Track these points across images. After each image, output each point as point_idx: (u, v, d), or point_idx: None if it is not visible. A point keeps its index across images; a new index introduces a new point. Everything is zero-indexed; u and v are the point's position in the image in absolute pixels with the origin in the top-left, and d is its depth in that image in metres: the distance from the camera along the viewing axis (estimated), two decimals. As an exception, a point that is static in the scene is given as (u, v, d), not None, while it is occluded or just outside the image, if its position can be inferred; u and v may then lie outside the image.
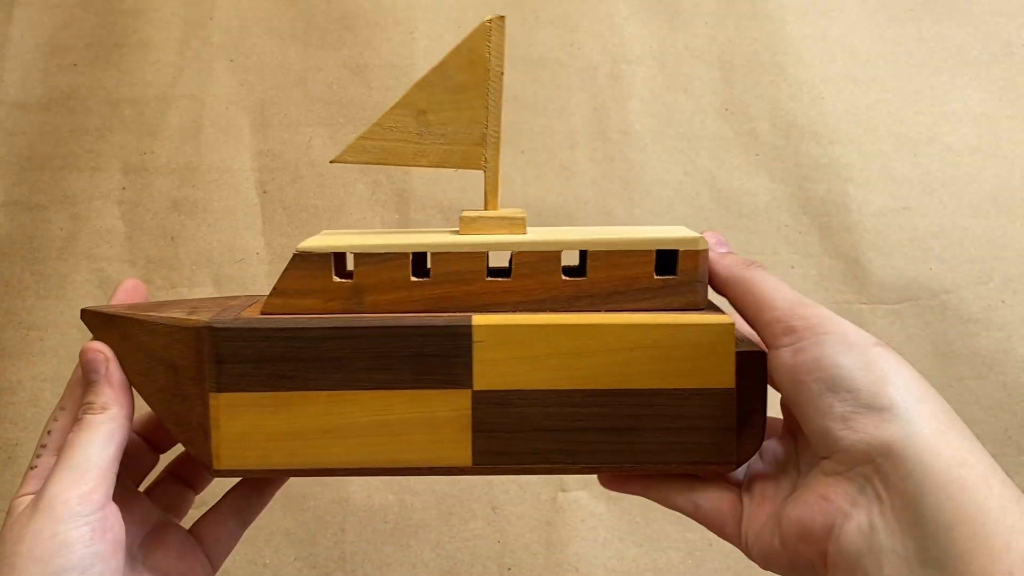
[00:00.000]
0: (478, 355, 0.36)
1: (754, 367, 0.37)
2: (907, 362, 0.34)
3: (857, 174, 0.64)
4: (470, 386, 0.37)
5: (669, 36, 0.69)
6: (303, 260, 0.37)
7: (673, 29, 0.70)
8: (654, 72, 0.68)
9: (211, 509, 0.43)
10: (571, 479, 0.61)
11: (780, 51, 0.69)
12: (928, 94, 0.67)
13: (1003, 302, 0.59)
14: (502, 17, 0.36)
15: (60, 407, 0.39)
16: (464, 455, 0.37)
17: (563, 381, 0.37)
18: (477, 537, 0.60)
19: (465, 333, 0.36)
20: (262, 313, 0.37)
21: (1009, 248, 0.61)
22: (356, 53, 0.69)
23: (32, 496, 0.36)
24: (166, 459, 0.44)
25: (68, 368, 0.58)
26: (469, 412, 0.37)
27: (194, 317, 0.37)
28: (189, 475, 0.44)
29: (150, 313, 0.38)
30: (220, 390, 0.36)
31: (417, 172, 0.64)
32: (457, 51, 0.36)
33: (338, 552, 0.60)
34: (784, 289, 0.36)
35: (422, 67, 0.68)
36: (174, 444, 0.43)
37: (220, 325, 0.36)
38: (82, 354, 0.38)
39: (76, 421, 0.37)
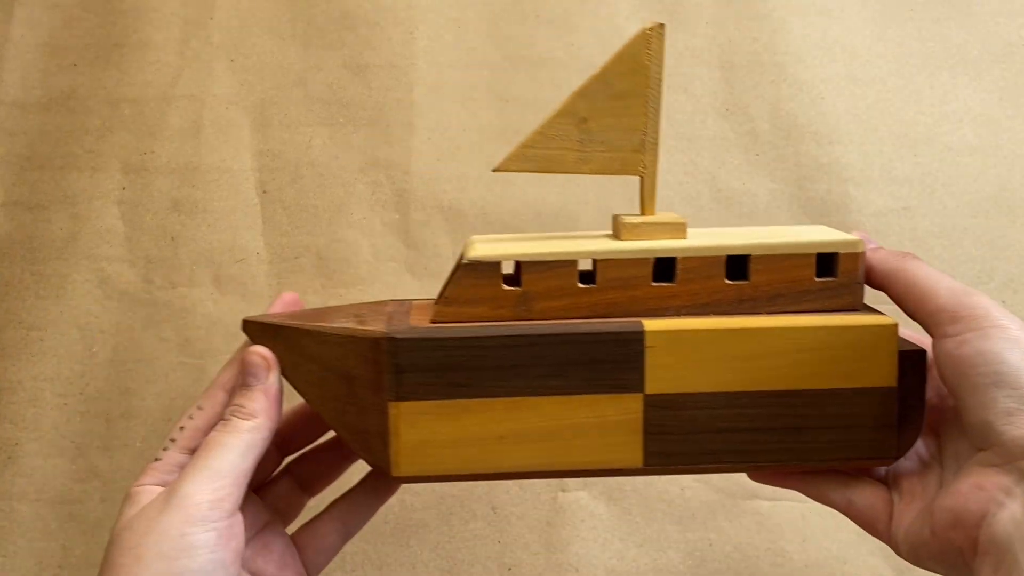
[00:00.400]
0: (650, 360, 0.37)
1: (915, 366, 0.38)
2: None
3: (857, 174, 0.64)
4: (642, 390, 0.37)
5: (669, 36, 0.69)
6: (472, 269, 0.37)
7: (673, 29, 0.70)
8: (654, 72, 0.68)
9: (315, 519, 0.42)
10: (571, 479, 0.61)
11: (780, 51, 0.69)
12: (928, 94, 0.67)
13: (1003, 302, 0.59)
14: (662, 25, 0.35)
15: (198, 406, 0.38)
16: (635, 457, 0.38)
17: (732, 384, 0.37)
18: (477, 537, 0.60)
19: (637, 339, 0.37)
20: (433, 322, 0.38)
21: (1009, 248, 0.61)
22: (356, 53, 0.69)
23: (152, 487, 0.36)
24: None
25: (68, 368, 0.58)
26: (640, 415, 0.37)
27: (369, 328, 0.37)
28: (308, 479, 0.43)
29: (319, 323, 0.38)
30: (399, 399, 0.36)
31: (417, 172, 0.64)
32: (618, 58, 0.35)
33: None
34: (945, 278, 0.37)
35: (422, 67, 0.68)
36: (300, 448, 0.42)
37: (400, 335, 0.36)
38: (245, 355, 0.38)
39: (222, 422, 0.37)
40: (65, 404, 0.57)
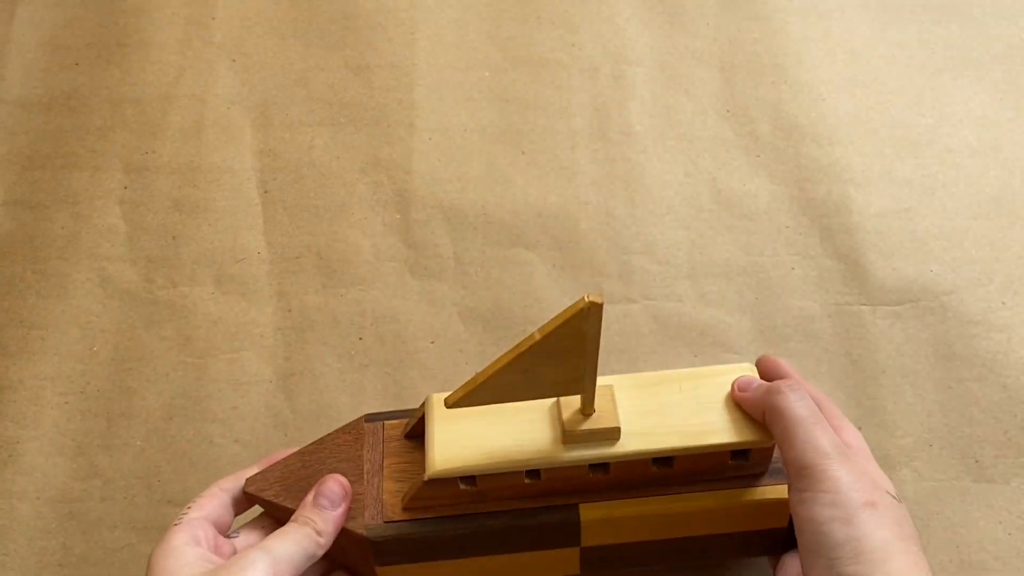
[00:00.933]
0: (585, 534, 0.44)
1: None
2: (891, 517, 0.38)
3: (858, 175, 0.64)
4: (578, 545, 0.45)
5: (670, 37, 0.69)
6: (432, 483, 0.43)
7: (674, 30, 0.70)
8: (655, 73, 0.68)
9: None
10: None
11: (781, 52, 0.69)
12: (929, 96, 0.67)
13: (1003, 304, 0.59)
14: (600, 305, 0.37)
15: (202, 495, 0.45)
16: (573, 568, 0.47)
17: (654, 535, 0.45)
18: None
19: (574, 523, 0.44)
20: (404, 508, 0.44)
21: (1009, 250, 0.61)
22: (357, 53, 0.69)
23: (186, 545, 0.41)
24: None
25: (69, 367, 0.58)
26: (578, 557, 0.46)
27: (351, 525, 0.44)
28: None
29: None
30: (382, 565, 0.45)
31: (418, 173, 0.64)
32: (557, 332, 0.37)
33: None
34: (801, 425, 0.41)
35: (423, 67, 0.68)
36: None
37: (377, 538, 0.44)
38: (328, 480, 0.44)
39: (296, 523, 0.43)
40: (66, 403, 0.57)
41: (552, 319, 0.37)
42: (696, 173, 0.64)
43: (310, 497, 0.44)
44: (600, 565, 0.47)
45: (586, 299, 0.36)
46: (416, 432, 0.47)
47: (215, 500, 0.45)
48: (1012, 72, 0.68)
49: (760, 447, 0.43)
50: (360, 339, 0.59)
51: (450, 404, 0.39)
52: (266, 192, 0.64)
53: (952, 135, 0.65)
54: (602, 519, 0.44)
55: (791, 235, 0.62)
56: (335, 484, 0.44)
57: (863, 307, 0.59)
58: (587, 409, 0.43)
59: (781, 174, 0.64)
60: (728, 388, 0.45)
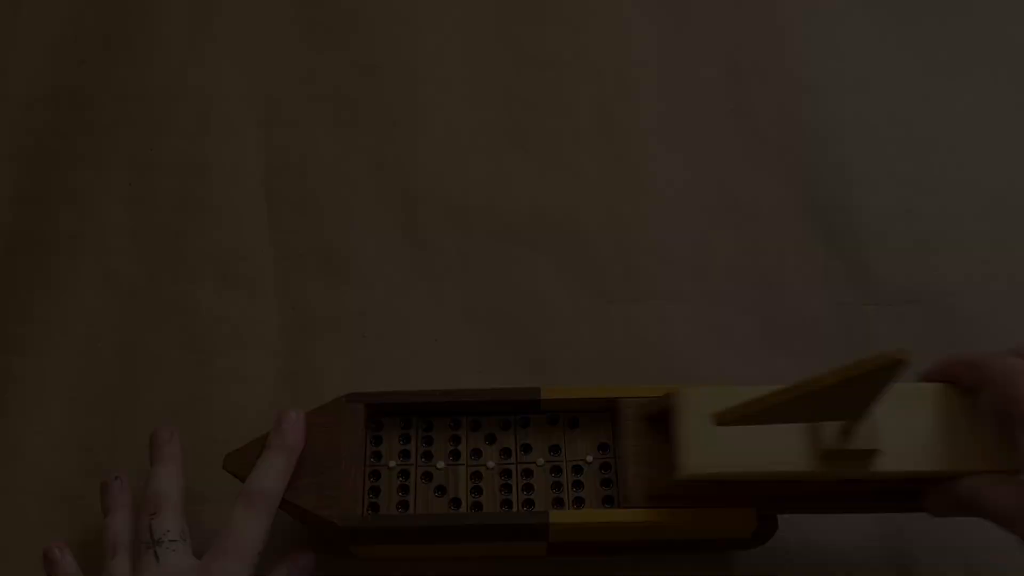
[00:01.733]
0: (553, 535, 0.46)
1: (770, 526, 0.48)
2: None
3: (862, 176, 0.64)
4: (546, 540, 0.47)
5: (676, 37, 0.69)
6: None
7: (680, 30, 0.70)
8: (660, 72, 0.68)
9: None
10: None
11: (787, 53, 0.69)
12: (934, 96, 0.67)
13: (1007, 304, 0.59)
14: (907, 364, 0.36)
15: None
16: (539, 552, 0.49)
17: (621, 536, 0.47)
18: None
19: (543, 524, 0.45)
20: None
21: (1013, 250, 0.61)
22: (363, 52, 0.69)
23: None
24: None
25: (72, 363, 0.58)
26: (544, 548, 0.49)
27: (327, 513, 0.46)
28: None
29: (295, 499, 0.46)
30: (358, 544, 0.48)
31: (424, 171, 0.64)
32: (853, 380, 0.36)
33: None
34: None
35: (429, 66, 0.68)
36: None
37: (348, 526, 0.46)
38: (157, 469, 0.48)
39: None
40: (70, 399, 0.57)
41: (848, 366, 0.36)
42: (701, 173, 0.64)
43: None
44: (566, 551, 0.49)
45: (895, 356, 0.35)
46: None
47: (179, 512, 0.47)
48: (1017, 72, 0.68)
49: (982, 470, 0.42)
50: (363, 337, 0.59)
51: (720, 422, 0.39)
52: (271, 190, 0.64)
53: (957, 135, 0.65)
54: (571, 525, 0.46)
55: (796, 235, 0.62)
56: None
57: (867, 307, 0.59)
58: (849, 427, 0.42)
59: (786, 175, 0.64)
60: (955, 409, 0.44)
